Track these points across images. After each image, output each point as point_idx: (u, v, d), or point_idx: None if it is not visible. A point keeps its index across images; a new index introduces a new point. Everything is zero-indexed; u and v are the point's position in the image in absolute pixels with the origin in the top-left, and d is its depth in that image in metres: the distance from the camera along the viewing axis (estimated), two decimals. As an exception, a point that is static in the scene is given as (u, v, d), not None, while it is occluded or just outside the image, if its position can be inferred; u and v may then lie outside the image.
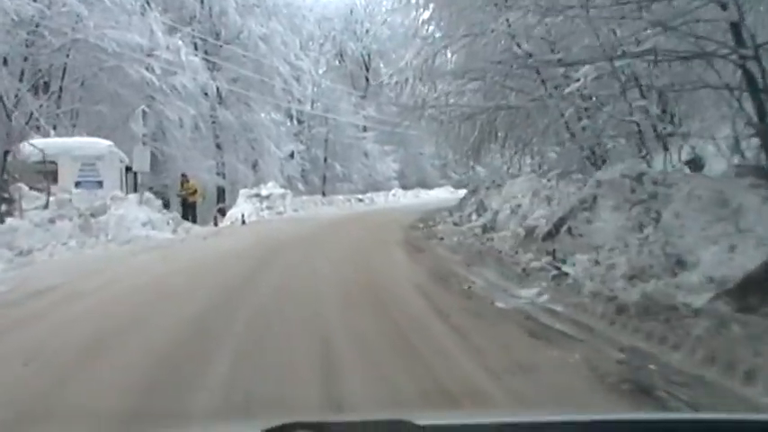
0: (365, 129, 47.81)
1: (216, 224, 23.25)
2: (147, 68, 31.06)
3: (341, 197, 37.47)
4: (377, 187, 44.47)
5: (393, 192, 43.18)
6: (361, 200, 37.67)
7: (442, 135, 23.03)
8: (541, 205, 14.00)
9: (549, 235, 10.67)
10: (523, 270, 9.61)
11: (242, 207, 26.25)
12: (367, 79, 50.04)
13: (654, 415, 3.22)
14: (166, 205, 31.10)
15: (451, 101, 20.59)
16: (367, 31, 49.11)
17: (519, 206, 14.81)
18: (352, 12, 48.81)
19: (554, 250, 10.37)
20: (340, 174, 45.55)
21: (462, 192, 48.22)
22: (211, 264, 12.19)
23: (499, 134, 22.92)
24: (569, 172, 14.99)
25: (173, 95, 32.45)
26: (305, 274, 10.76)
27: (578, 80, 16.17)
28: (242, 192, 28.69)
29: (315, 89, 43.68)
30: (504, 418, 2.18)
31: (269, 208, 26.97)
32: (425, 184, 49.11)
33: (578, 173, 16.20)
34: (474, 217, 18.40)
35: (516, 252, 11.15)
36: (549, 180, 14.49)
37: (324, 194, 40.57)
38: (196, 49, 35.30)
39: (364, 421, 2.11)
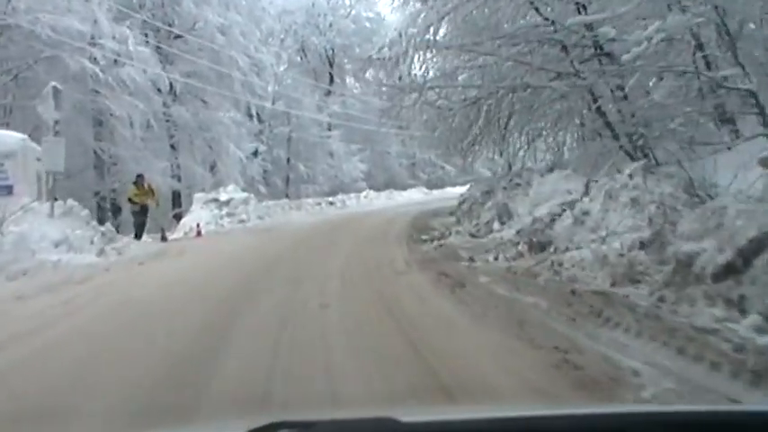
0: (330, 127, 42.53)
1: (164, 237, 17.71)
2: (89, 59, 25.86)
3: (310, 200, 31.96)
4: (343, 189, 39.28)
5: (364, 194, 37.91)
6: (332, 203, 32.27)
7: (439, 124, 17.92)
8: (625, 212, 9.13)
9: (729, 270, 5.66)
10: (738, 350, 4.61)
11: (197, 214, 20.77)
12: (331, 75, 44.88)
13: (639, 407, 2.90)
14: (116, 213, 26.15)
15: (457, 79, 15.59)
16: (330, 25, 43.81)
17: (586, 213, 9.85)
18: (314, 4, 43.32)
19: (742, 298, 5.43)
20: (304, 175, 40.31)
21: (436, 192, 43.77)
22: (134, 325, 6.85)
23: (501, 121, 17.96)
24: (652, 165, 9.98)
25: (120, 89, 27.38)
26: (301, 351, 5.66)
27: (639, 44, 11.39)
28: (197, 196, 22.97)
29: (277, 86, 38.51)
30: (488, 414, 2.03)
31: (229, 215, 21.44)
32: (394, 185, 43.94)
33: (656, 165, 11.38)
34: (496, 225, 13.44)
35: (660, 299, 6.14)
36: (631, 176, 9.51)
37: (287, 197, 35.28)
38: (147, 38, 29.84)
39: (350, 419, 1.93)
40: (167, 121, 30.77)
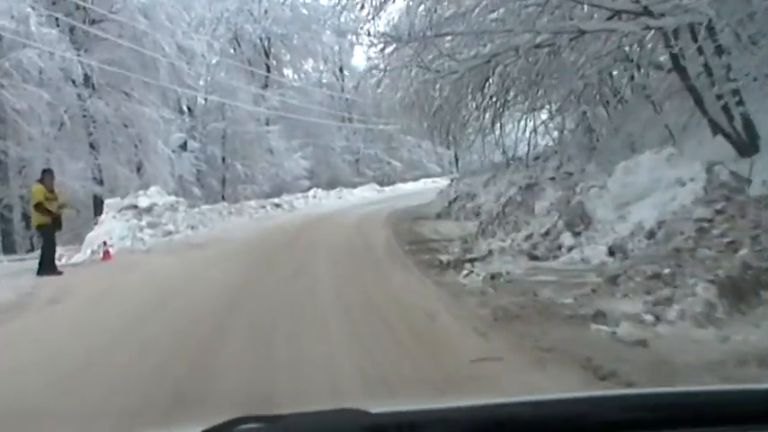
0: (268, 122, 36.46)
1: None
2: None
3: (252, 203, 25.62)
4: (285, 188, 33.46)
5: (312, 193, 31.95)
6: (278, 205, 26.04)
7: (432, 95, 12.34)
8: None
9: None
10: None
11: (108, 227, 14.48)
12: (268, 66, 38.61)
13: (611, 392, 2.64)
14: (28, 225, 20.32)
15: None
16: (265, 12, 37.54)
17: None
18: (247, -11, 37.11)
19: None
20: (242, 174, 34.27)
21: (388, 189, 38.22)
22: None
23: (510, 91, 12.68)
24: None
25: (20, 77, 21.54)
26: None
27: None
28: (108, 203, 16.26)
29: (209, 77, 32.41)
30: (460, 403, 1.71)
31: (152, 226, 15.04)
32: (339, 182, 38.06)
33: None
34: (567, 239, 7.86)
35: None
36: None
37: (224, 199, 29.20)
38: (57, 20, 23.61)
39: (316, 411, 1.68)
40: (84, 116, 24.84)
